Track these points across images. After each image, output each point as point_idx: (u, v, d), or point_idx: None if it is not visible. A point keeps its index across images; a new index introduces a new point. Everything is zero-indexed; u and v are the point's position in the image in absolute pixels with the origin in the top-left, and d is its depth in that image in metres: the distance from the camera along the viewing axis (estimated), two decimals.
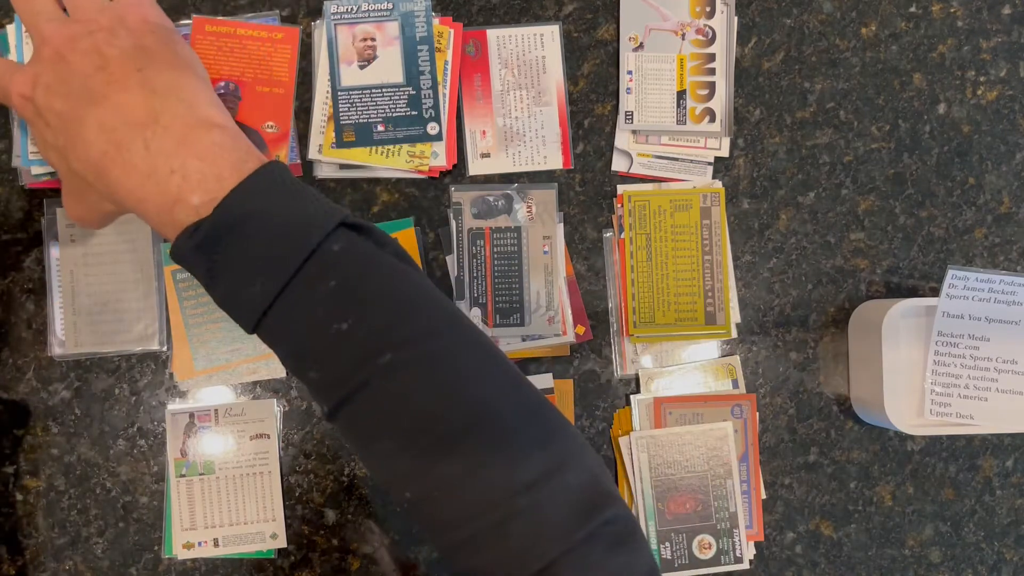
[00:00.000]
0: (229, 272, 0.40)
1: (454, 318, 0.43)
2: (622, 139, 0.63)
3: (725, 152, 0.63)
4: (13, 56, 0.59)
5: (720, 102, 0.63)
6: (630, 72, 0.63)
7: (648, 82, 0.63)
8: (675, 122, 0.63)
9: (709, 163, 0.63)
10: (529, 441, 0.40)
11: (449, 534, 0.40)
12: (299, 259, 0.40)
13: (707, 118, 0.63)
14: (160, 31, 0.47)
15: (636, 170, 0.63)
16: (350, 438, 0.43)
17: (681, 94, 0.63)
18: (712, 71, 0.63)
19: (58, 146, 0.44)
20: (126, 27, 0.45)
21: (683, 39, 0.63)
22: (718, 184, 0.63)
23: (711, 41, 0.63)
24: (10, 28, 0.59)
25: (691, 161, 0.63)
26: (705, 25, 0.63)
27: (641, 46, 0.63)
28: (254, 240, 0.40)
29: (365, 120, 0.61)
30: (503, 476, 0.39)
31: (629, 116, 0.62)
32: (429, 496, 0.40)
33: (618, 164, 0.63)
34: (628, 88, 0.63)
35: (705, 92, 0.63)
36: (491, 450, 0.39)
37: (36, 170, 0.59)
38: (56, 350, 0.60)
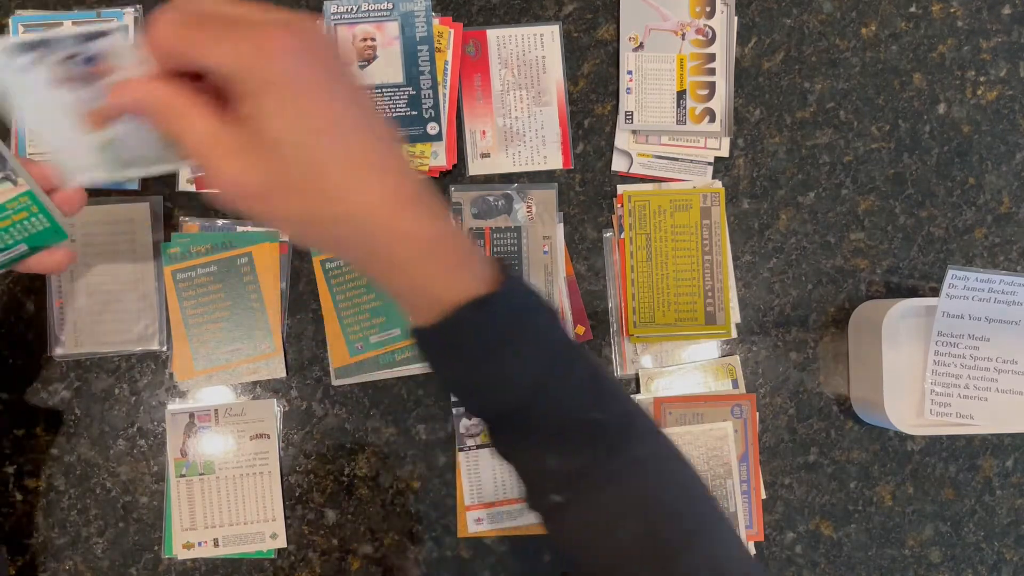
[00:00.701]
0: (503, 353, 0.41)
1: (656, 425, 0.46)
2: (622, 139, 0.63)
3: (725, 152, 0.63)
4: None
5: (720, 102, 0.63)
6: (630, 72, 0.63)
7: (648, 82, 0.63)
8: (675, 122, 0.63)
9: (709, 163, 0.63)
10: (729, 523, 0.45)
11: None
12: (570, 352, 0.43)
13: (707, 118, 0.63)
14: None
15: (636, 170, 0.63)
16: (575, 531, 0.45)
17: (681, 94, 0.63)
18: (712, 71, 0.63)
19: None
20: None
21: (683, 39, 0.63)
22: (718, 184, 0.63)
23: (711, 41, 0.63)
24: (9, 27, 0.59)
25: (691, 161, 0.63)
26: (705, 25, 0.63)
27: (641, 46, 0.63)
28: (532, 332, 0.42)
29: None
30: (738, 562, 0.43)
31: (629, 116, 0.62)
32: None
33: (618, 164, 0.63)
34: (628, 88, 0.63)
35: (705, 92, 0.63)
36: (723, 541, 0.43)
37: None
38: (56, 350, 0.60)
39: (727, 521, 0.45)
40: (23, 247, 0.46)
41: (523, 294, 0.42)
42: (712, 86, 0.63)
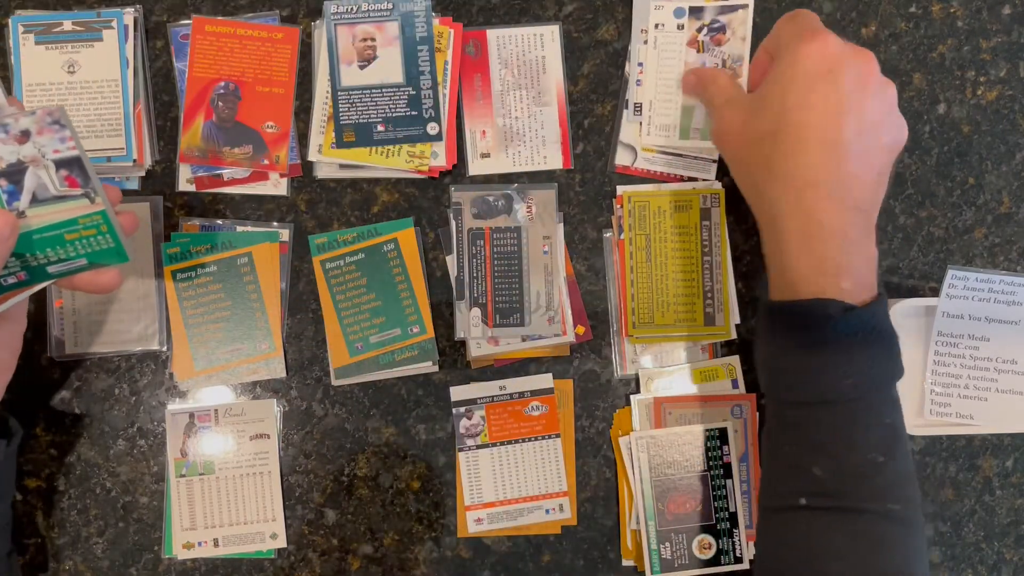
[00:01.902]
0: (838, 357, 0.47)
1: (921, 519, 0.50)
2: (627, 132, 0.63)
3: None
4: (11, 57, 0.59)
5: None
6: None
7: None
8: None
9: (713, 160, 0.63)
10: None
11: None
12: (888, 388, 0.48)
13: None
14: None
15: (640, 165, 0.63)
16: (797, 535, 0.48)
17: None
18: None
19: (782, 130, 0.50)
20: (892, 124, 0.51)
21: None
22: (718, 185, 0.63)
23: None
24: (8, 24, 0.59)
25: (694, 158, 0.63)
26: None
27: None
28: (874, 350, 0.48)
29: (365, 120, 0.61)
30: None
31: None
32: None
33: (622, 159, 0.63)
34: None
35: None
36: None
37: None
38: (56, 350, 0.60)
39: None
40: (83, 261, 0.47)
41: (882, 326, 0.48)
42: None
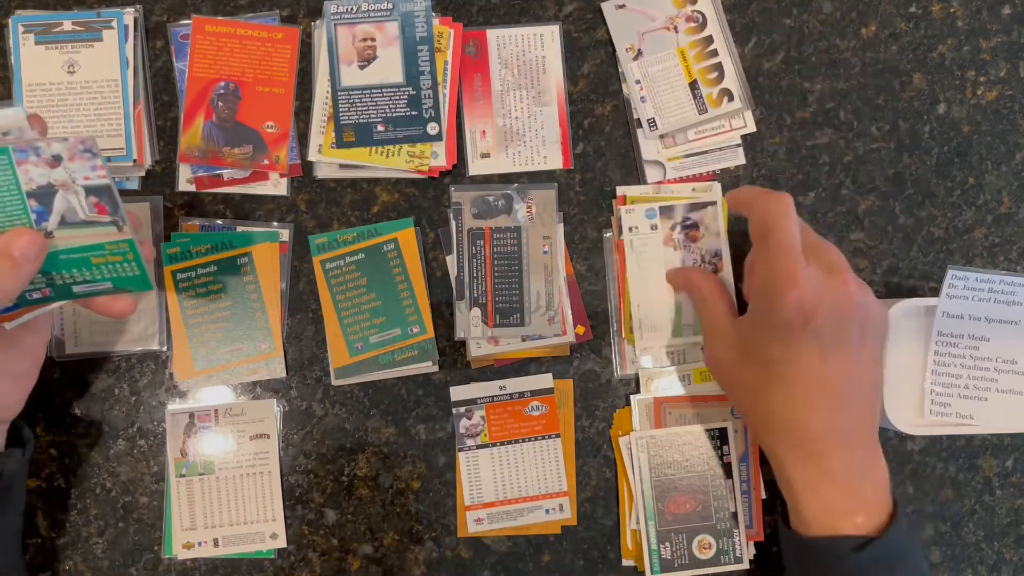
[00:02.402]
0: None
1: None
2: (649, 149, 0.63)
3: (752, 127, 0.64)
4: (11, 57, 0.59)
5: (732, 79, 0.63)
6: (638, 81, 0.63)
7: (659, 85, 0.63)
8: (696, 113, 0.63)
9: (738, 145, 0.63)
10: None
11: None
12: None
13: (725, 99, 0.63)
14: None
15: (672, 175, 0.63)
16: None
17: (693, 85, 0.63)
18: (715, 52, 0.63)
19: (773, 371, 0.50)
20: (884, 327, 0.51)
21: (676, 32, 0.63)
22: (717, 186, 0.63)
23: (703, 25, 0.63)
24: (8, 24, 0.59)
25: (720, 149, 0.63)
26: (693, 11, 0.63)
27: (640, 53, 0.63)
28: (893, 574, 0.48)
29: (365, 120, 0.61)
30: None
31: (652, 123, 0.62)
32: None
33: (653, 176, 0.63)
34: (642, 97, 0.63)
35: (715, 75, 0.63)
36: None
37: None
38: (56, 350, 0.60)
39: None
40: (108, 284, 0.49)
41: (900, 548, 0.48)
42: (719, 67, 0.63)
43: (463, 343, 0.62)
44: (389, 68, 0.61)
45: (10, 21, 0.60)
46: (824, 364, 0.48)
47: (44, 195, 0.44)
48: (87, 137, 0.43)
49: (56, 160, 0.44)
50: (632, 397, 0.62)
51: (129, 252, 0.47)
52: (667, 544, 0.60)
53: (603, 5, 0.64)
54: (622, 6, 0.63)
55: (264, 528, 0.61)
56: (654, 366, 0.63)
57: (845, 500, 0.49)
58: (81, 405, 0.61)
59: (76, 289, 0.48)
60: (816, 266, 0.49)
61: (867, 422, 0.50)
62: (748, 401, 0.53)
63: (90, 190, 0.44)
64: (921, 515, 0.64)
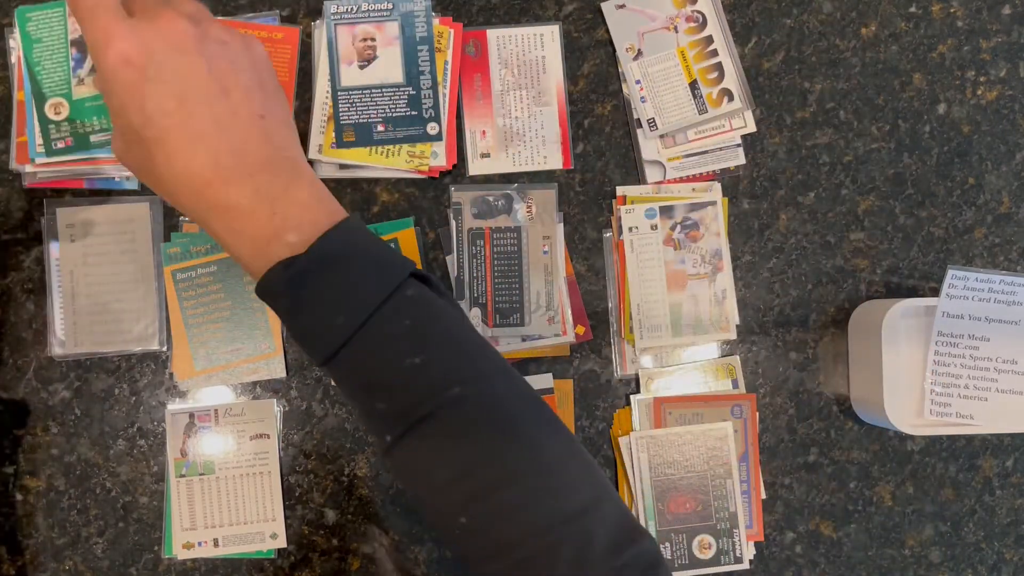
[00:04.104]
0: (315, 305, 0.44)
1: (505, 364, 0.47)
2: (649, 149, 0.63)
3: (752, 127, 0.64)
4: (11, 56, 0.59)
5: (732, 79, 0.63)
6: (638, 81, 0.63)
7: (659, 84, 0.63)
8: (696, 113, 0.63)
9: (738, 145, 0.63)
10: (574, 476, 0.44)
11: (501, 558, 0.43)
12: (379, 299, 0.44)
13: (725, 99, 0.63)
14: (274, 76, 0.48)
15: (672, 175, 0.63)
16: (406, 469, 0.46)
17: (693, 85, 0.63)
18: (715, 52, 0.63)
19: (144, 136, 0.44)
20: (251, 58, 0.46)
21: (676, 32, 0.63)
22: (717, 186, 0.63)
23: (703, 25, 0.63)
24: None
25: (720, 149, 0.63)
26: (693, 11, 0.63)
27: (640, 53, 0.63)
28: (341, 278, 0.44)
29: (365, 120, 0.61)
30: (556, 505, 0.42)
31: (652, 123, 0.62)
32: (486, 521, 0.43)
33: (653, 176, 0.63)
34: (642, 97, 0.63)
35: (715, 75, 0.63)
36: (546, 480, 0.43)
37: (41, 171, 0.59)
38: (56, 350, 0.60)
39: (557, 467, 0.44)
40: None
41: (337, 248, 0.44)
42: (719, 67, 0.63)
43: None
44: (389, 68, 0.61)
45: (15, 12, 0.60)
46: (182, 107, 0.43)
47: (83, 44, 0.49)
48: None
49: None
50: (632, 397, 0.62)
51: None
52: (667, 544, 0.60)
53: (603, 5, 0.64)
54: (622, 6, 0.63)
55: (264, 528, 0.61)
56: (654, 366, 0.63)
57: (265, 226, 0.44)
58: (81, 405, 0.61)
59: (93, 139, 0.56)
60: (141, 18, 0.43)
61: (258, 146, 0.45)
62: (153, 182, 0.46)
63: None
64: (921, 515, 0.64)
